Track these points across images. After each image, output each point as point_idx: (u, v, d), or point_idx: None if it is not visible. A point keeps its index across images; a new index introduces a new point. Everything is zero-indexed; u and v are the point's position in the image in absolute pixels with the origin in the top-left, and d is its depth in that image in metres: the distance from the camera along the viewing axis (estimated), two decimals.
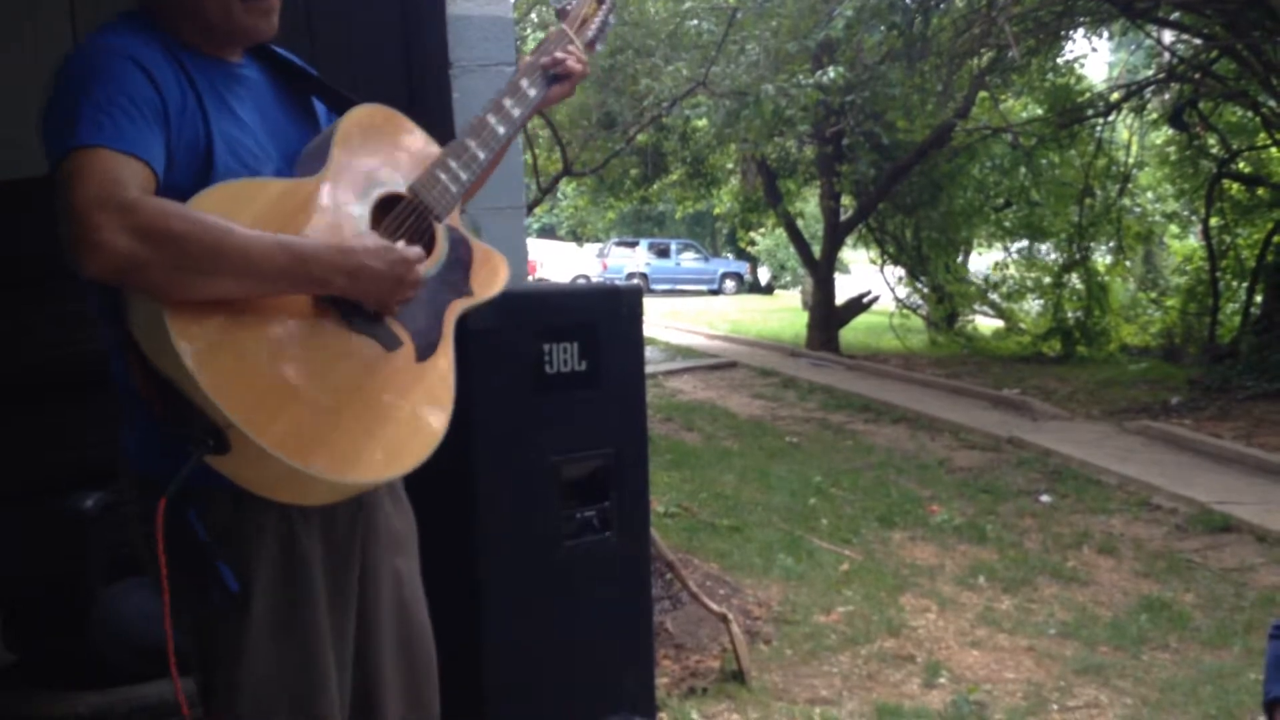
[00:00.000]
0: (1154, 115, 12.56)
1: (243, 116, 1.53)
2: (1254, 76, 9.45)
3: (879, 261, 15.45)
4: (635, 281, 12.99)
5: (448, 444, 1.51)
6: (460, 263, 1.63)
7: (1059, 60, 12.42)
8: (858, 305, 14.39)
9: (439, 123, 2.48)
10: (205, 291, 1.32)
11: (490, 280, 1.67)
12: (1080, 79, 13.16)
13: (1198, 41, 10.54)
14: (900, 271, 15.15)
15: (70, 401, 2.46)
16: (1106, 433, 7.75)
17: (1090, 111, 12.11)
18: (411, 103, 2.59)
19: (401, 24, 2.84)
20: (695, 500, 5.84)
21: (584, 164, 12.12)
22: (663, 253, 28.12)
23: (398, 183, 1.58)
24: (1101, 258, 14.03)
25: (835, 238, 14.30)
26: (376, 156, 1.57)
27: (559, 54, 1.79)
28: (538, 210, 16.08)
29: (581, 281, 19.03)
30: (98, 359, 1.53)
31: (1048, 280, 13.94)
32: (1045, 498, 6.04)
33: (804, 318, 15.62)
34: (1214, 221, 11.24)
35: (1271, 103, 9.85)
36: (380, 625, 1.65)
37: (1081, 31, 11.13)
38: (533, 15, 10.48)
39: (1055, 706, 3.34)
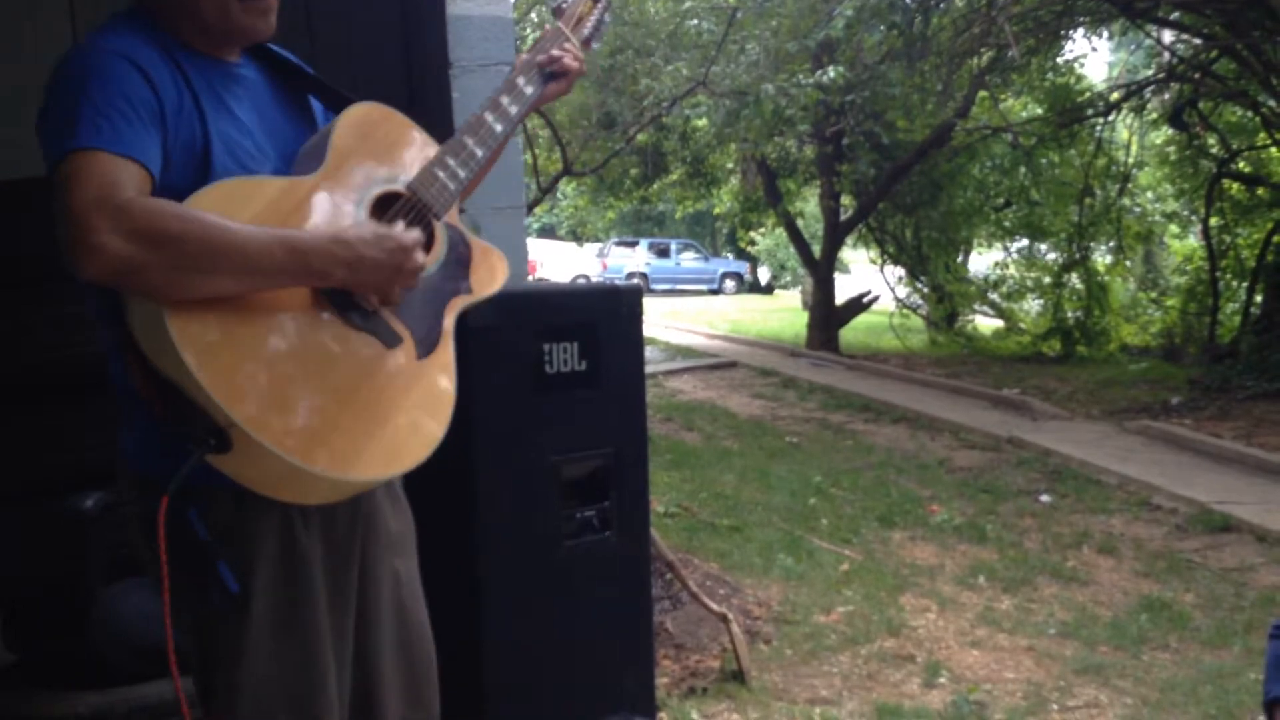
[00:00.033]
0: (1154, 115, 12.57)
1: (240, 116, 1.53)
2: (1254, 76, 9.45)
3: (879, 261, 15.46)
4: (635, 281, 12.99)
5: (448, 443, 1.51)
6: (459, 260, 1.63)
7: (1059, 60, 12.43)
8: (858, 305, 14.39)
9: (439, 123, 2.48)
10: (205, 290, 1.32)
11: (490, 278, 1.67)
12: (1080, 79, 13.16)
13: (1198, 41, 10.54)
14: (900, 271, 15.15)
15: (70, 403, 2.47)
16: (1106, 433, 7.75)
17: (1090, 111, 12.11)
18: (411, 103, 2.59)
19: (401, 24, 2.84)
20: (695, 500, 5.84)
21: (584, 164, 12.12)
22: (663, 253, 28.13)
23: (396, 181, 1.57)
24: (1101, 258, 14.04)
25: (835, 237, 14.30)
26: (374, 155, 1.57)
27: (555, 52, 1.79)
28: (538, 210, 16.09)
29: (581, 281, 19.02)
30: (97, 361, 1.53)
31: (1048, 280, 13.94)
32: (1045, 498, 6.04)
33: (804, 317, 15.63)
34: (1214, 221, 11.25)
35: (1271, 103, 9.85)
36: (380, 625, 1.65)
37: (1081, 31, 11.14)
38: (532, 15, 10.48)
39: (1055, 706, 3.34)
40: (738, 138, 11.75)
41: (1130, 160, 13.00)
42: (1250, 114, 10.89)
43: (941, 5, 10.35)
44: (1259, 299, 10.31)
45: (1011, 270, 15.28)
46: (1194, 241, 13.95)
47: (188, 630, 1.48)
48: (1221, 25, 9.39)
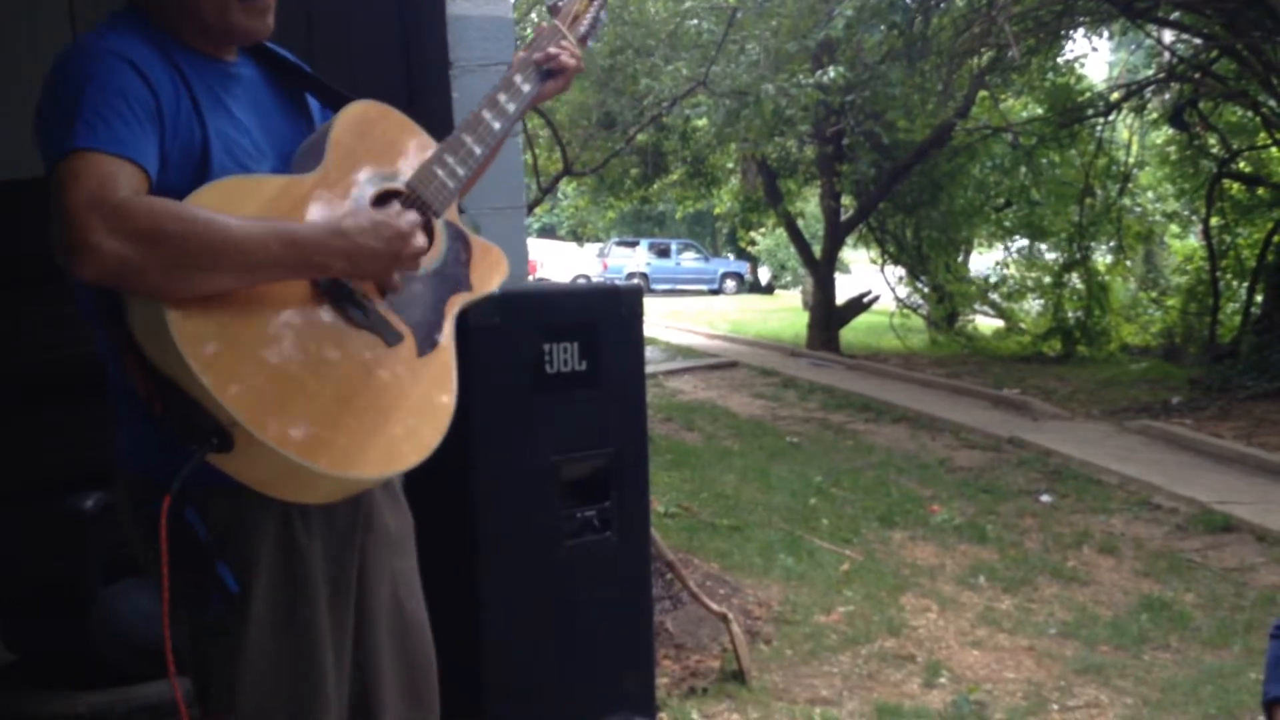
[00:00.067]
0: (1154, 115, 12.57)
1: (238, 115, 1.53)
2: (1254, 76, 9.45)
3: (879, 261, 15.46)
4: (635, 281, 13.00)
5: (447, 443, 1.50)
6: (459, 258, 1.63)
7: (1059, 60, 12.43)
8: (858, 305, 14.39)
9: (439, 122, 2.47)
10: (204, 287, 1.32)
11: (490, 275, 1.67)
12: (1080, 79, 13.17)
13: (1198, 41, 10.55)
14: (900, 271, 15.16)
15: (69, 403, 2.46)
16: (1107, 432, 7.75)
17: (1090, 111, 12.12)
18: (411, 103, 2.59)
19: (401, 24, 2.84)
20: (695, 500, 5.84)
21: (584, 164, 12.11)
22: (663, 253, 28.13)
23: (394, 179, 1.57)
24: (1102, 257, 14.05)
25: (835, 237, 14.30)
26: (372, 153, 1.57)
27: (552, 49, 1.79)
28: (538, 210, 16.06)
29: (582, 281, 19.02)
30: (96, 361, 1.53)
31: (1048, 280, 13.95)
32: (1045, 497, 6.04)
33: (804, 317, 15.63)
34: (1214, 221, 11.26)
35: (1271, 102, 9.86)
36: (379, 625, 1.64)
37: (1081, 31, 11.16)
38: (532, 15, 10.47)
39: (1055, 706, 3.34)
40: (738, 138, 11.75)
41: (1130, 160, 13.01)
42: (1250, 114, 10.89)
43: (941, 5, 10.36)
44: (1259, 299, 10.31)
45: (1012, 270, 15.29)
46: (1194, 241, 13.96)
47: (186, 630, 1.47)
48: (1221, 25, 9.39)
